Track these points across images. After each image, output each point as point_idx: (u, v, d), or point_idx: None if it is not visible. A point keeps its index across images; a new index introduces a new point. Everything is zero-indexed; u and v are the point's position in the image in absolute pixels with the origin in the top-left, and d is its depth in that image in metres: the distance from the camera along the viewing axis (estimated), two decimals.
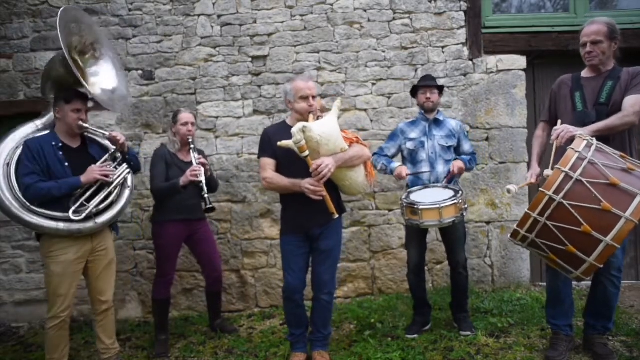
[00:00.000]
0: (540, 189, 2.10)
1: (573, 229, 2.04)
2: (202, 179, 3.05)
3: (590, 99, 2.56)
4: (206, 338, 3.39)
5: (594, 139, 2.21)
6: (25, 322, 3.94)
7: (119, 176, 2.80)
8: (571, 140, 2.28)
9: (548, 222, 2.09)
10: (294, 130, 2.40)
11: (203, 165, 3.13)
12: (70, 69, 2.64)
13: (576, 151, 2.08)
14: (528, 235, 2.18)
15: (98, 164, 2.74)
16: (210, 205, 3.00)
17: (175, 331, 3.54)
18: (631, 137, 2.54)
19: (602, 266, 2.08)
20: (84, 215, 2.61)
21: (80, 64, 2.91)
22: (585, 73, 2.69)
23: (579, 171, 2.04)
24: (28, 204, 2.58)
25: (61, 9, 2.73)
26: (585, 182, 2.02)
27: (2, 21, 4.03)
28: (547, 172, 2.24)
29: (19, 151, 2.70)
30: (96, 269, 2.79)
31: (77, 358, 3.21)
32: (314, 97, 2.64)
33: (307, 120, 2.55)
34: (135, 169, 2.97)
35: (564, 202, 2.04)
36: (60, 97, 2.74)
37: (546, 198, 2.07)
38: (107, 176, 2.70)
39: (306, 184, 2.48)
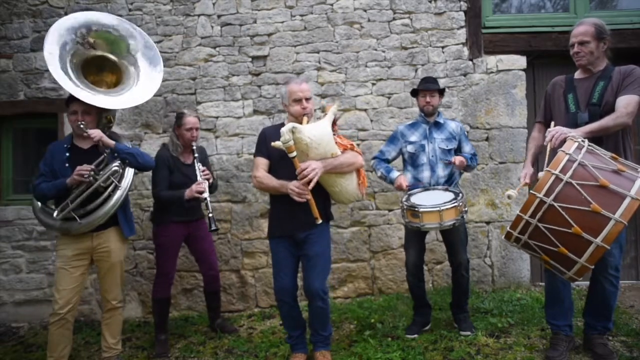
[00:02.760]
0: (531, 191, 2.11)
1: (564, 230, 2.05)
2: (207, 195, 3.03)
3: (582, 99, 2.58)
4: (206, 338, 3.39)
5: (586, 140, 2.21)
6: (25, 322, 3.94)
7: (104, 176, 2.72)
8: (564, 141, 2.28)
9: (539, 224, 2.11)
10: (283, 130, 2.40)
11: (207, 178, 3.13)
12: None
13: (567, 153, 2.09)
14: (521, 236, 2.20)
15: (93, 164, 2.70)
16: (215, 228, 3.00)
17: (175, 331, 3.54)
18: (625, 137, 2.55)
19: (593, 267, 2.09)
20: (62, 215, 2.68)
21: (115, 58, 2.99)
22: (577, 74, 2.70)
23: (569, 173, 2.05)
24: (45, 204, 2.84)
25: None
26: (575, 185, 2.03)
27: (2, 21, 4.04)
28: (541, 174, 2.25)
29: None
30: (101, 269, 2.86)
31: (77, 358, 3.21)
32: (307, 100, 2.64)
33: (301, 123, 2.55)
34: (135, 166, 2.85)
35: (555, 204, 2.05)
36: (65, 101, 2.85)
37: (537, 200, 2.09)
38: (81, 176, 2.64)
39: (291, 186, 2.48)
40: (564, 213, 2.04)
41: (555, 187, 2.06)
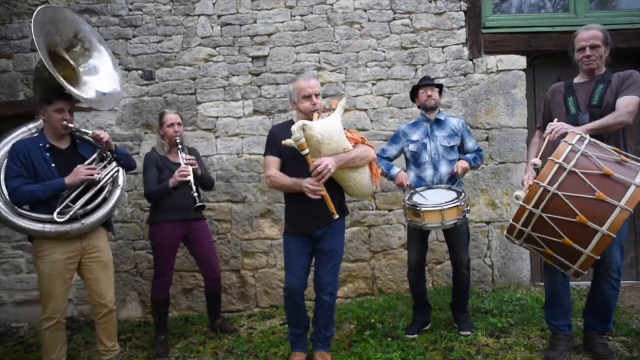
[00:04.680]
0: (535, 180, 2.09)
1: (568, 220, 2.02)
2: (191, 178, 3.03)
3: (583, 102, 2.61)
4: (206, 338, 3.39)
5: (587, 135, 2.22)
6: (25, 322, 3.94)
7: (107, 175, 2.75)
8: (565, 135, 2.30)
9: (543, 214, 2.07)
10: (293, 128, 2.40)
11: (191, 164, 3.11)
12: (51, 72, 2.57)
13: (569, 144, 2.08)
14: (524, 229, 2.16)
15: (85, 164, 2.71)
16: (200, 204, 2.97)
17: (175, 331, 3.54)
18: (625, 137, 2.56)
19: (598, 257, 2.06)
20: (67, 216, 2.58)
21: (71, 61, 2.90)
22: (577, 79, 2.73)
23: (573, 162, 2.03)
24: (16, 207, 2.58)
25: (35, 12, 2.63)
26: (579, 173, 2.02)
27: (2, 21, 4.04)
28: (535, 160, 2.24)
29: None
30: (91, 271, 2.76)
31: (77, 358, 3.21)
32: (317, 95, 2.63)
33: (311, 119, 2.54)
34: (126, 167, 2.92)
35: (559, 192, 2.03)
36: (44, 98, 2.70)
37: (540, 189, 2.06)
38: (91, 176, 2.65)
39: (306, 183, 2.48)
40: (568, 202, 2.01)
41: (558, 176, 2.04)
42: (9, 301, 3.97)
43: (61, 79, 2.63)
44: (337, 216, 2.52)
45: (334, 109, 2.68)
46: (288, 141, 2.46)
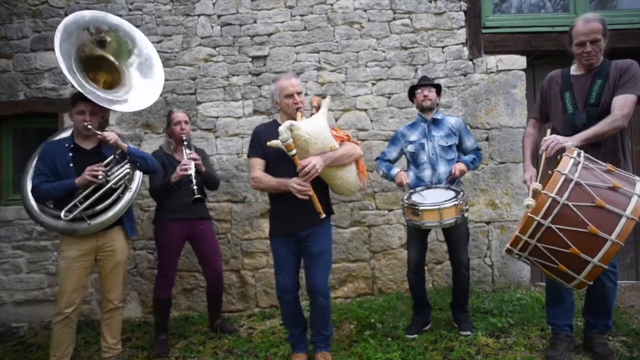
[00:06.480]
0: (529, 214, 2.11)
1: (562, 250, 2.08)
2: (192, 172, 3.03)
3: (580, 99, 2.53)
4: (206, 338, 3.39)
5: (582, 154, 2.19)
6: (25, 322, 3.94)
7: (117, 177, 2.75)
8: (560, 150, 2.28)
9: (538, 244, 2.13)
10: (281, 128, 2.38)
11: (194, 159, 3.12)
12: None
13: (562, 174, 2.09)
14: (521, 253, 2.23)
15: (101, 164, 2.71)
16: (197, 196, 2.94)
17: (175, 331, 3.54)
18: (623, 137, 2.52)
19: (592, 283, 2.12)
20: (71, 216, 2.64)
21: (115, 61, 2.96)
22: (574, 70, 2.64)
23: (565, 195, 2.06)
24: (44, 204, 2.77)
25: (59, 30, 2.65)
26: (572, 206, 2.04)
27: (2, 21, 4.04)
28: (535, 185, 2.24)
29: None
30: (104, 268, 2.84)
31: (77, 358, 3.20)
32: (299, 94, 2.62)
33: (295, 118, 2.53)
34: (144, 169, 2.90)
35: (552, 226, 2.07)
36: (70, 100, 2.82)
37: (535, 223, 2.10)
38: (95, 177, 2.65)
39: (293, 183, 2.46)
40: (561, 235, 2.06)
41: (552, 210, 2.07)
42: (9, 301, 3.97)
43: (84, 83, 2.70)
44: (324, 215, 2.51)
45: (315, 106, 2.68)
46: (274, 142, 2.44)
